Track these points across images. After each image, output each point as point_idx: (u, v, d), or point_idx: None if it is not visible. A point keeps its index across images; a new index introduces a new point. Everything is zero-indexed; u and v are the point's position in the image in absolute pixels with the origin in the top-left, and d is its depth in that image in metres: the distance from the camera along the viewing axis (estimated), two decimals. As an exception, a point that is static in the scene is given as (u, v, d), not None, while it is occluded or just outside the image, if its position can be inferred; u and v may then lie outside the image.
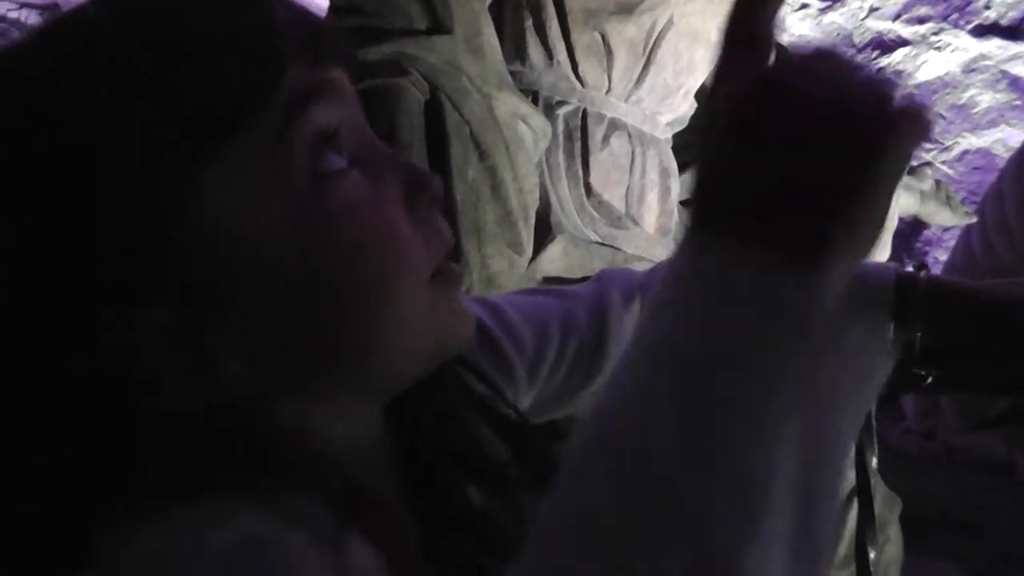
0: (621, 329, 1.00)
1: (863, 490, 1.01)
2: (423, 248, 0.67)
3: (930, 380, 0.94)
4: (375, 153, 0.68)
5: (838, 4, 7.22)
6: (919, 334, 0.90)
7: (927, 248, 7.30)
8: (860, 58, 7.26)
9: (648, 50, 2.45)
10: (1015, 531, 3.62)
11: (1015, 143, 5.98)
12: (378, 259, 0.64)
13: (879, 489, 2.63)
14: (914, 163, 7.38)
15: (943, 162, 7.26)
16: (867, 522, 1.14)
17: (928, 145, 7.29)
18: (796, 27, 7.39)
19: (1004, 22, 6.81)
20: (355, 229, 0.63)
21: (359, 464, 0.68)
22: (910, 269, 0.92)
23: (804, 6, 7.33)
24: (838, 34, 7.28)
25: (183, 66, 0.60)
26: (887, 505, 2.62)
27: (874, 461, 1.08)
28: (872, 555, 1.11)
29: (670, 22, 2.44)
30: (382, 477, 0.72)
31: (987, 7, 6.80)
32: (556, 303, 1.02)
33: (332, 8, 2.33)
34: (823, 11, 7.28)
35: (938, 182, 3.18)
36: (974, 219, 3.36)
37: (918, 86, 7.17)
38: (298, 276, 0.62)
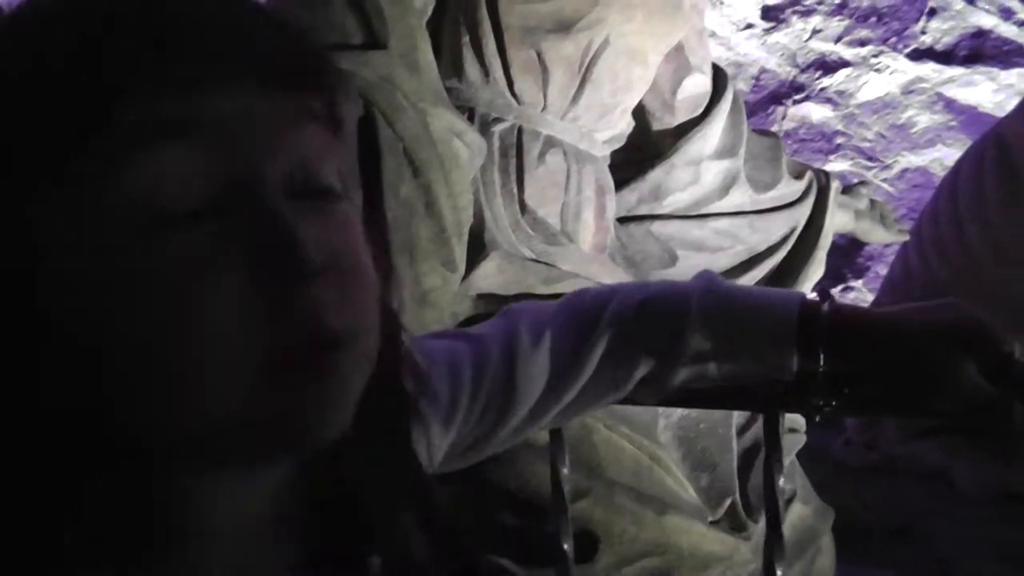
0: (530, 369, 1.00)
1: (772, 523, 1.02)
2: (256, 331, 0.55)
3: (833, 405, 0.98)
4: (240, 206, 0.56)
5: (783, 25, 7.33)
6: (820, 365, 0.93)
7: (869, 263, 7.42)
8: (803, 79, 7.38)
9: (585, 68, 2.44)
10: (953, 538, 3.69)
11: (951, 162, 6.10)
12: (177, 334, 0.54)
13: (811, 501, 2.66)
14: (851, 182, 7.51)
15: (884, 180, 7.39)
16: (775, 542, 1.17)
17: (868, 163, 7.42)
18: (741, 46, 7.49)
19: (939, 47, 6.98)
20: (161, 296, 0.54)
21: (243, 539, 0.63)
22: (814, 297, 0.96)
23: (750, 26, 7.43)
24: (782, 54, 7.38)
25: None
26: (820, 516, 2.65)
27: (781, 480, 1.10)
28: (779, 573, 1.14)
29: (607, 41, 2.43)
30: (269, 553, 0.66)
31: (923, 32, 6.97)
32: (466, 347, 1.02)
33: None
34: (768, 31, 7.38)
35: (873, 201, 3.22)
36: (908, 237, 3.42)
37: (860, 106, 7.31)
38: (98, 335, 0.55)
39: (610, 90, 2.49)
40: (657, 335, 1.00)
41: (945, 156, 7.08)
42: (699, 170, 2.74)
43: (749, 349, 0.98)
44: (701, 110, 2.80)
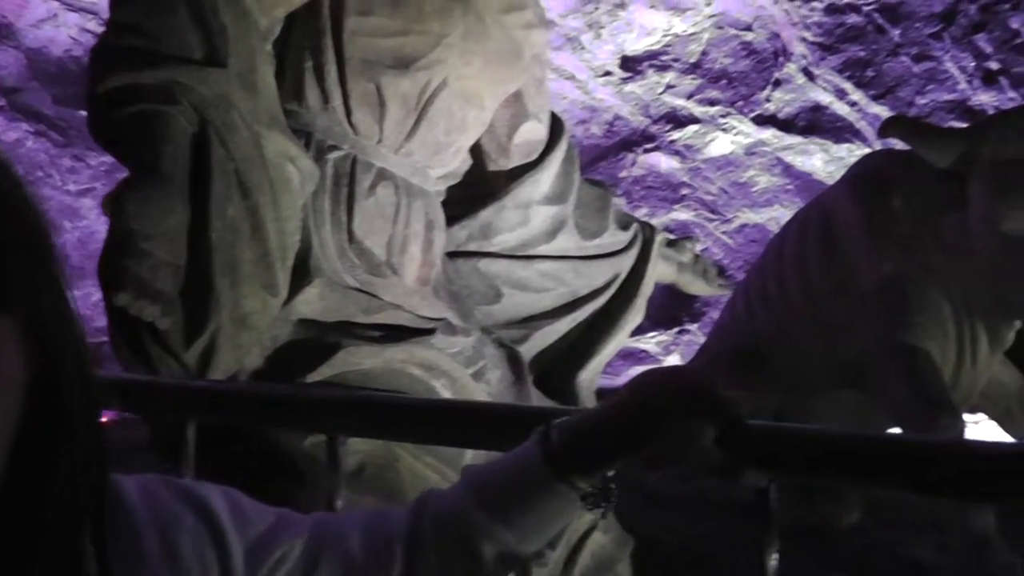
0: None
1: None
2: None
3: (606, 490, 1.07)
4: None
5: (638, 77, 7.57)
6: (583, 486, 1.04)
7: (705, 308, 7.72)
8: (654, 130, 7.65)
9: (421, 106, 2.49)
10: (749, 566, 3.85)
11: (786, 221, 6.42)
12: None
13: (611, 530, 2.76)
14: (692, 232, 7.79)
15: (723, 232, 7.71)
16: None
17: (711, 215, 7.73)
18: (599, 92, 7.69)
19: (781, 115, 7.34)
20: None
21: None
22: (540, 431, 1.05)
23: (607, 73, 7.65)
24: (636, 103, 7.62)
25: None
26: (618, 544, 2.75)
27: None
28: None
29: (445, 82, 2.49)
30: None
31: (768, 100, 7.32)
32: (296, 516, 1.04)
33: (111, 22, 2.27)
34: (624, 80, 7.60)
35: (697, 256, 3.38)
36: (727, 291, 3.59)
37: (705, 161, 7.61)
38: None
39: (445, 129, 2.56)
40: (456, 559, 1.04)
41: (781, 216, 7.43)
42: (529, 213, 2.83)
43: (533, 514, 1.04)
44: (535, 156, 2.89)
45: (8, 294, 0.65)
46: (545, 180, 2.87)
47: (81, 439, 0.70)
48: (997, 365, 4.23)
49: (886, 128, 4.08)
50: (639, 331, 7.82)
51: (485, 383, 2.53)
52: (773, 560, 1.17)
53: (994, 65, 6.82)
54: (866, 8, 6.96)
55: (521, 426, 1.11)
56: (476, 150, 2.83)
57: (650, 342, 8.20)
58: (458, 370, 2.40)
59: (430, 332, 2.41)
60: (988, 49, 6.79)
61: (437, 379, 2.36)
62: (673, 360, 8.08)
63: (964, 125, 6.85)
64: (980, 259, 3.80)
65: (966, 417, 4.49)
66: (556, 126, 2.98)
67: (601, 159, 7.89)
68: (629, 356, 8.11)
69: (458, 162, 2.73)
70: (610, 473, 1.06)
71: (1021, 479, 1.03)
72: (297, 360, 2.26)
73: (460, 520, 1.04)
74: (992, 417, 4.47)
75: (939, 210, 3.94)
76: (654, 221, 7.99)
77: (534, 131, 2.90)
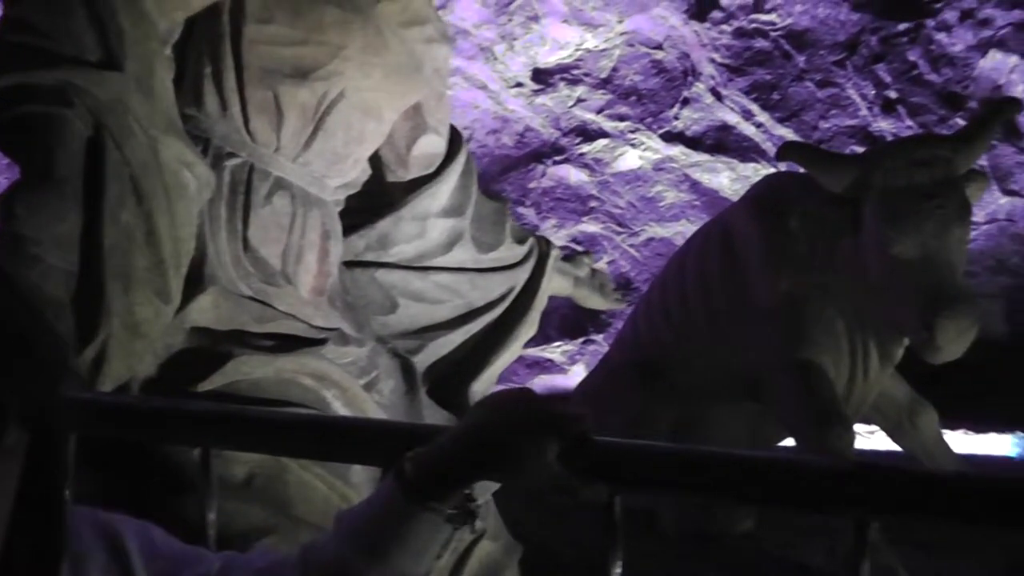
0: None
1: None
2: None
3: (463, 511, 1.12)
4: None
5: (550, 89, 7.64)
6: (432, 504, 1.10)
7: (611, 319, 7.84)
8: (564, 142, 7.73)
9: (319, 117, 2.51)
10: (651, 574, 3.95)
11: (693, 237, 6.54)
12: None
13: (500, 538, 2.81)
14: (601, 244, 7.89)
15: (631, 245, 7.83)
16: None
17: (618, 228, 7.85)
18: (511, 103, 7.75)
19: (689, 133, 7.48)
20: None
21: None
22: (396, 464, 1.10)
23: (519, 85, 7.71)
24: (547, 116, 7.70)
25: None
26: (506, 552, 2.82)
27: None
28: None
29: (343, 94, 2.52)
30: None
31: (676, 118, 7.45)
32: (206, 554, 1.11)
33: (5, 18, 2.24)
34: (536, 93, 7.67)
35: (594, 270, 3.46)
36: (623, 305, 3.67)
37: (614, 175, 7.71)
38: None
39: (343, 140, 2.58)
40: None
41: (687, 231, 7.57)
42: (426, 225, 2.87)
43: (406, 544, 1.10)
44: (434, 168, 2.93)
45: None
46: (443, 193, 2.91)
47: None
48: (888, 379, 4.40)
49: (783, 153, 4.24)
50: (545, 340, 7.94)
51: (377, 393, 2.56)
52: (617, 570, 1.23)
53: (893, 94, 7.05)
54: (773, 34, 7.15)
55: (389, 442, 1.16)
56: (376, 160, 2.86)
57: (555, 351, 8.27)
58: (349, 380, 2.43)
59: (322, 342, 2.43)
60: (888, 79, 7.02)
61: (328, 389, 2.39)
62: (579, 370, 8.16)
63: (864, 150, 7.10)
64: (872, 280, 3.96)
65: (860, 428, 4.67)
66: (455, 140, 3.03)
67: (512, 169, 7.95)
68: (535, 365, 8.17)
69: (356, 172, 2.75)
70: (470, 503, 1.12)
71: (839, 494, 1.12)
72: (189, 369, 2.26)
73: (341, 569, 1.09)
74: (883, 428, 4.66)
75: (834, 232, 4.09)
76: (562, 232, 8.11)
77: (433, 144, 2.94)
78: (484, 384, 2.97)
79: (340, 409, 2.40)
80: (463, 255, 2.94)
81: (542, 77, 7.65)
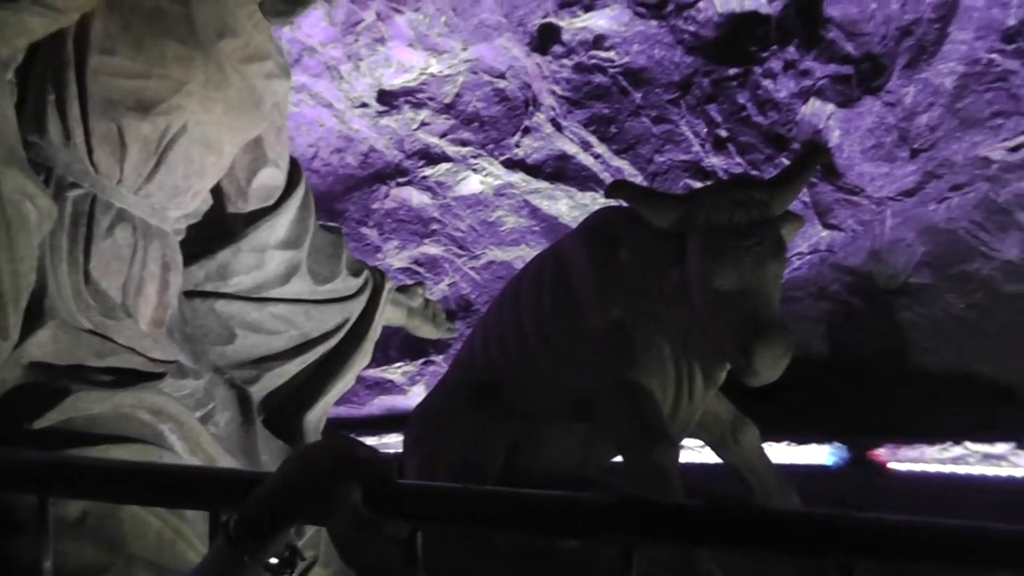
0: None
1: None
2: None
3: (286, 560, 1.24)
4: None
5: (394, 111, 7.69)
6: (256, 555, 1.22)
7: (451, 342, 7.96)
8: (408, 164, 7.80)
9: (161, 150, 2.54)
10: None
11: (531, 262, 6.74)
12: None
13: (332, 564, 2.89)
14: (443, 267, 8.01)
15: (471, 268, 7.98)
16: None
17: (459, 251, 7.98)
18: (355, 123, 7.77)
19: (529, 161, 7.65)
20: None
21: None
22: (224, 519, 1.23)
23: (365, 104, 7.73)
24: (391, 137, 7.74)
25: None
26: None
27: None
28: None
29: (184, 128, 2.55)
30: None
31: (517, 145, 7.61)
32: None
33: None
34: (381, 114, 7.70)
35: (427, 301, 3.59)
36: (455, 334, 3.82)
37: (456, 199, 7.83)
38: None
39: (184, 173, 2.62)
40: None
41: (527, 255, 7.76)
42: (264, 257, 2.93)
43: None
44: (273, 201, 3.00)
45: None
46: (281, 225, 2.97)
47: None
48: (712, 399, 4.69)
49: (613, 192, 4.48)
50: (386, 361, 8.00)
51: (214, 425, 2.61)
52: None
53: (724, 133, 7.40)
54: (611, 70, 7.39)
55: (219, 487, 1.27)
56: (217, 191, 2.90)
57: (396, 372, 8.31)
58: (185, 414, 2.46)
59: (160, 376, 2.45)
60: (719, 118, 7.37)
61: (165, 423, 2.41)
62: (419, 390, 8.23)
63: (697, 183, 7.45)
64: (696, 308, 4.23)
65: (689, 443, 4.95)
66: (294, 172, 3.10)
67: (355, 189, 7.96)
68: (375, 386, 8.21)
69: (197, 204, 2.79)
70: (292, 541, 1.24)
71: (606, 524, 1.32)
72: (26, 405, 2.23)
73: None
74: (708, 444, 4.97)
75: (661, 264, 4.36)
76: (404, 254, 8.19)
77: (272, 177, 3.00)
78: (318, 413, 3.05)
79: (176, 443, 2.42)
80: (300, 287, 3.01)
81: (387, 99, 7.69)
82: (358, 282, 3.20)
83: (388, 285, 3.31)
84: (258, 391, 2.89)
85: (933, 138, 7.24)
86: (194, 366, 2.62)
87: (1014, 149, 7.16)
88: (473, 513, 1.38)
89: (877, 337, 8.14)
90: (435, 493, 1.44)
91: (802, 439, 7.73)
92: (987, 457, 7.52)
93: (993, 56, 6.86)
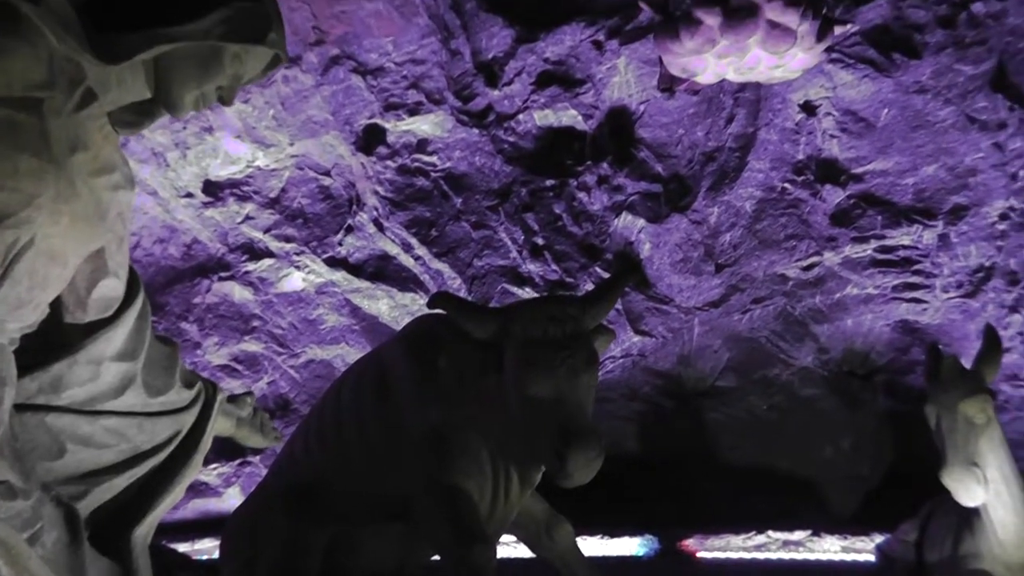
0: None
1: None
2: None
3: None
4: None
5: (219, 203, 7.70)
6: None
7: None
8: (231, 258, 7.77)
9: (7, 264, 2.53)
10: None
11: (351, 360, 6.89)
12: None
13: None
14: (262, 365, 8.00)
15: (291, 366, 7.98)
16: None
17: (279, 349, 7.98)
18: (180, 213, 7.72)
19: (352, 259, 7.78)
20: None
21: None
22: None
23: (190, 195, 7.69)
24: (215, 230, 7.72)
25: None
26: None
27: None
28: None
29: (32, 241, 2.56)
30: None
31: (340, 244, 7.74)
32: None
33: None
34: (206, 205, 7.68)
35: (256, 409, 3.68)
36: (282, 442, 3.94)
37: (278, 295, 7.87)
38: None
39: (27, 286, 2.61)
40: None
41: (346, 354, 7.86)
42: (100, 369, 2.92)
43: None
44: (111, 312, 3.00)
45: None
46: (119, 337, 2.97)
47: None
48: (528, 498, 4.94)
49: (434, 303, 4.71)
50: (203, 462, 7.85)
51: (41, 546, 2.55)
52: None
53: (540, 241, 7.76)
54: (434, 175, 7.67)
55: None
56: (54, 301, 2.87)
57: (211, 474, 8.17)
58: (13, 537, 2.42)
59: (-11, 500, 2.39)
60: (536, 227, 7.73)
61: None
62: (234, 492, 8.09)
63: (514, 288, 7.77)
64: (512, 414, 4.49)
65: (505, 538, 5.17)
66: (133, 282, 3.10)
67: (177, 282, 7.88)
68: (189, 489, 8.06)
69: (37, 316, 2.76)
70: None
71: None
72: None
73: None
74: (523, 541, 5.23)
75: (479, 372, 4.61)
76: (224, 351, 8.12)
77: (112, 288, 2.99)
78: (146, 529, 3.02)
79: (3, 567, 2.37)
80: (133, 399, 3.00)
81: (212, 190, 7.70)
82: (191, 394, 3.21)
83: (220, 397, 3.35)
84: (86, 506, 2.85)
85: (735, 255, 7.84)
86: (23, 485, 2.57)
87: (807, 268, 7.85)
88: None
89: (686, 436, 8.61)
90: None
91: (614, 532, 8.06)
92: (787, 544, 8.10)
93: (786, 185, 7.55)
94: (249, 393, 3.85)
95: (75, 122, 2.67)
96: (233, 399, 3.58)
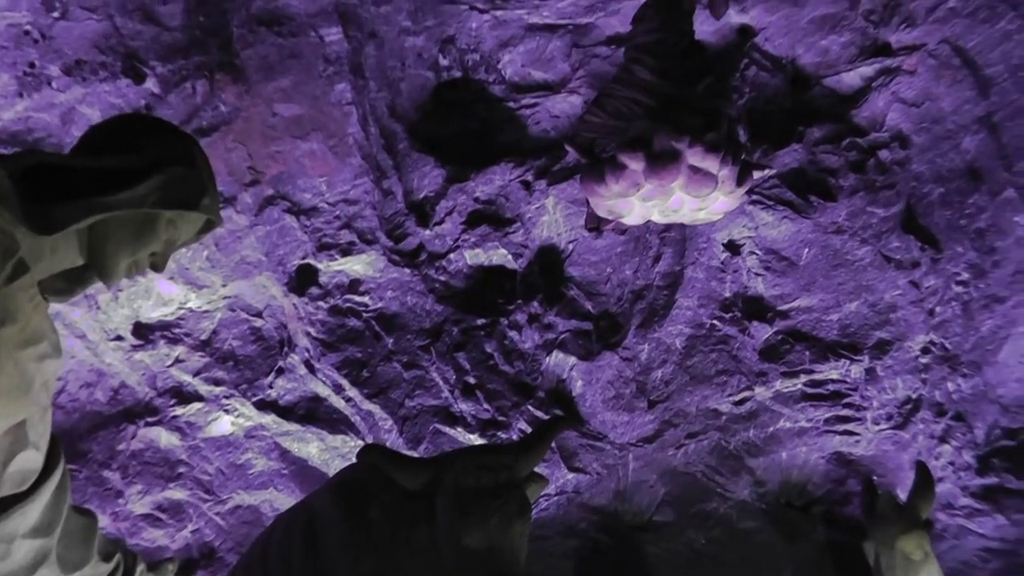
0: None
1: None
2: None
3: None
4: None
5: (150, 346, 7.66)
6: None
7: None
8: (159, 403, 7.72)
9: None
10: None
11: (280, 505, 6.82)
12: None
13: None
14: (185, 512, 7.86)
15: (217, 513, 7.86)
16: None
17: (205, 495, 7.87)
18: (108, 356, 7.66)
19: (282, 402, 7.76)
20: None
21: None
22: None
23: (120, 338, 7.64)
24: (144, 373, 7.66)
25: None
26: None
27: None
28: None
29: None
30: None
31: (270, 387, 7.72)
32: None
33: None
34: (135, 348, 7.62)
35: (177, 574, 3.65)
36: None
37: (205, 440, 7.78)
38: None
39: None
40: None
41: (274, 499, 7.78)
42: (11, 547, 2.86)
43: None
44: (28, 485, 2.94)
45: None
46: (34, 512, 2.92)
47: None
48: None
49: (364, 455, 4.74)
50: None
51: None
52: None
53: (472, 379, 7.82)
54: (365, 315, 7.74)
55: None
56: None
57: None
58: None
59: None
60: (467, 366, 7.80)
61: None
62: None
63: (446, 428, 7.79)
64: (445, 564, 4.48)
65: None
66: (54, 452, 3.06)
67: (102, 428, 7.78)
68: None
69: None
70: None
71: None
72: None
73: None
74: None
75: (411, 522, 4.61)
76: (148, 499, 8.00)
77: (31, 460, 2.94)
78: None
79: None
80: None
81: (143, 332, 7.67)
82: (108, 567, 3.20)
83: (139, 568, 3.35)
84: None
85: (668, 391, 7.97)
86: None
87: (739, 403, 7.99)
88: None
89: (623, 571, 8.57)
90: None
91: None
92: None
93: (714, 322, 7.75)
94: (171, 560, 3.83)
95: (4, 295, 2.66)
96: (154, 567, 3.56)
